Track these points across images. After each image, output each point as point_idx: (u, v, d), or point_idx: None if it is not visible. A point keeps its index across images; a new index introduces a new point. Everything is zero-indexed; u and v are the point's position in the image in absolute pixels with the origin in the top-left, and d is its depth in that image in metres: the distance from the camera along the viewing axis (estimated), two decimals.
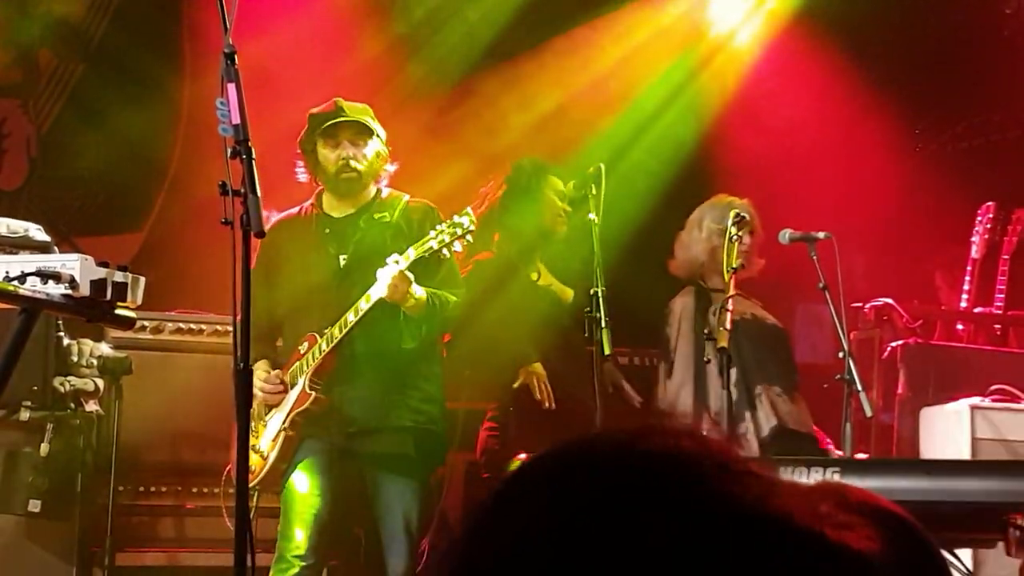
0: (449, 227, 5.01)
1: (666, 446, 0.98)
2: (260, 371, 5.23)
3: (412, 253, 5.03)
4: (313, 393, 5.17)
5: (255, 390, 5.24)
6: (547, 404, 5.80)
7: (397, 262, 5.02)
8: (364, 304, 5.09)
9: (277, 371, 5.26)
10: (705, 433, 1.00)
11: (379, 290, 5.05)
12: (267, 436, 5.28)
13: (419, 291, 5.11)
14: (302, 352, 5.25)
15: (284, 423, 5.22)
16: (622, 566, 0.91)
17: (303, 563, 5.08)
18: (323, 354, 5.17)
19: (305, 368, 5.20)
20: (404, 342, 5.23)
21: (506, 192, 6.11)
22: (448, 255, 5.19)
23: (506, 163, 6.36)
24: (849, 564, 0.93)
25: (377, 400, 5.22)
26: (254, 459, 5.31)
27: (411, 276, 5.05)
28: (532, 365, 5.88)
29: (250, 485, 5.29)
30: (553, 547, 0.93)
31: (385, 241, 5.27)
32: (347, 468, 5.26)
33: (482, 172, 6.59)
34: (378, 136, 5.36)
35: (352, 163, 5.29)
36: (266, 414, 5.29)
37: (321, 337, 5.19)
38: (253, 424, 5.31)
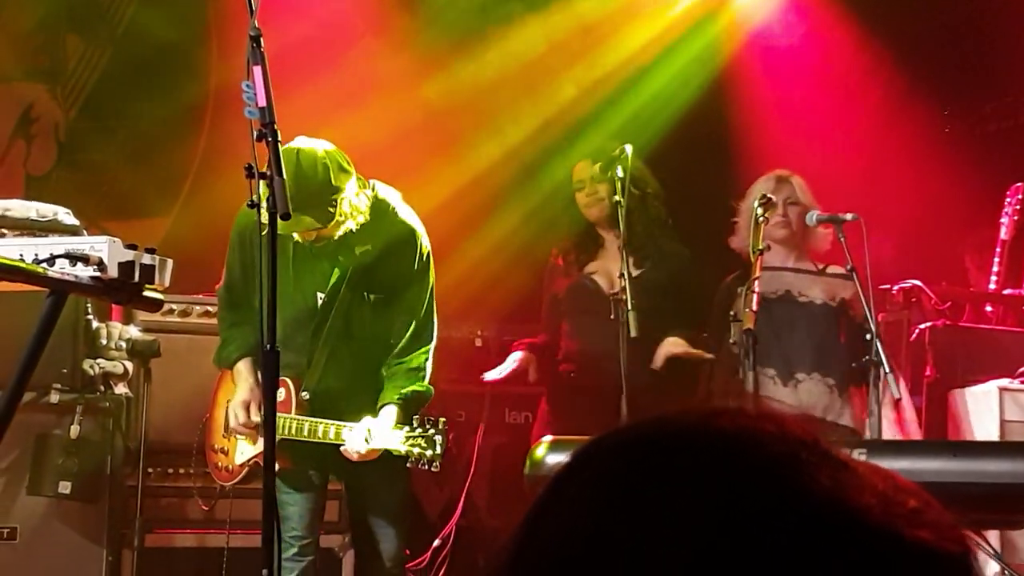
0: (422, 449, 4.85)
1: (740, 428, 0.95)
2: (243, 381, 5.16)
3: (381, 442, 4.91)
4: (278, 464, 5.08)
5: (232, 410, 5.21)
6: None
7: (369, 431, 4.91)
8: (306, 431, 5.02)
9: (257, 420, 5.11)
10: (792, 415, 0.97)
11: (349, 449, 4.96)
12: (235, 457, 5.28)
13: (391, 446, 4.95)
14: (277, 401, 5.11)
15: (249, 460, 5.22)
16: (683, 550, 0.89)
17: (300, 543, 5.11)
18: (291, 436, 5.03)
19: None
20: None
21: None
22: (424, 283, 5.18)
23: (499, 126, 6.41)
24: (923, 565, 0.90)
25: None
26: (221, 462, 5.33)
27: (379, 446, 4.91)
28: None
29: (227, 485, 5.36)
30: (618, 525, 0.92)
31: (364, 284, 5.13)
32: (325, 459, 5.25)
33: (476, 132, 6.57)
34: (337, 199, 4.92)
35: (323, 235, 5.02)
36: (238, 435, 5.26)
37: (295, 401, 5.07)
38: (226, 437, 5.31)
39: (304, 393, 5.11)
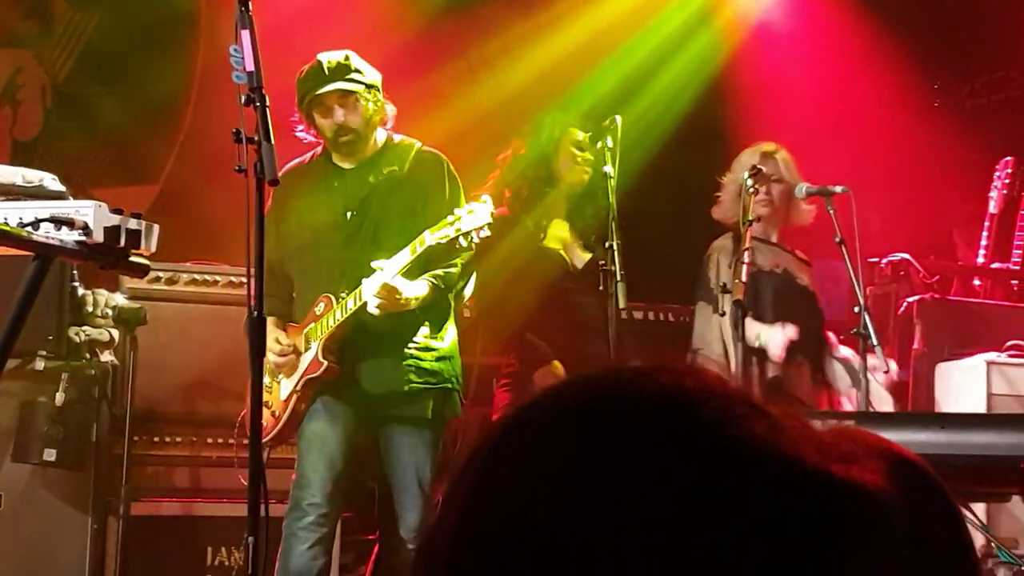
0: (468, 215, 4.89)
1: (668, 386, 0.96)
2: (270, 330, 5.13)
3: (406, 254, 4.96)
4: (325, 362, 5.14)
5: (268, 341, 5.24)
6: None
7: (382, 268, 4.97)
8: (351, 304, 5.06)
9: (288, 342, 5.20)
10: (711, 372, 0.98)
11: (367, 298, 5.01)
12: (280, 395, 5.27)
13: (415, 292, 5.03)
14: (318, 314, 5.19)
15: (296, 386, 5.20)
16: (618, 510, 0.90)
17: (318, 512, 5.08)
18: (337, 324, 5.12)
19: (319, 334, 5.16)
20: (427, 334, 5.20)
21: (528, 147, 6.04)
22: (455, 193, 5.20)
23: (505, 112, 6.27)
24: (856, 503, 0.92)
25: (391, 367, 5.16)
26: (266, 416, 5.31)
27: (399, 285, 4.97)
28: (554, 367, 5.80)
29: (263, 441, 5.33)
30: (552, 490, 0.92)
31: (393, 197, 5.24)
32: (361, 421, 5.25)
33: (481, 112, 6.48)
34: (368, 85, 5.23)
35: (348, 125, 5.21)
36: (279, 373, 5.27)
37: (337, 303, 5.14)
38: (267, 380, 5.31)
39: (344, 292, 5.14)
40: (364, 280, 5.02)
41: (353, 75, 5.20)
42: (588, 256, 5.85)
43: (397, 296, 4.97)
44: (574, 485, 0.92)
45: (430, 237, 4.92)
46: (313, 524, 5.07)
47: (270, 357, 5.16)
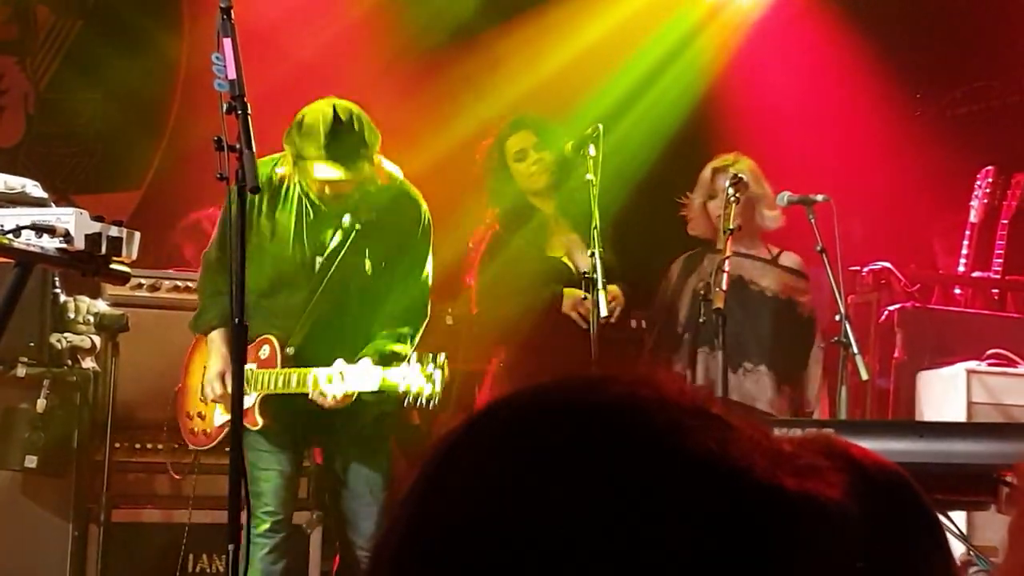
0: (424, 380, 4.79)
1: (620, 395, 0.96)
2: (216, 351, 5.10)
3: (372, 376, 4.86)
4: (261, 421, 5.05)
5: (207, 382, 5.16)
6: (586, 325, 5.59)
7: (342, 374, 4.88)
8: (294, 382, 4.98)
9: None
10: (666, 381, 0.98)
11: (321, 386, 4.92)
12: (213, 421, 5.25)
13: (366, 387, 4.92)
14: (262, 358, 5.08)
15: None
16: (567, 522, 0.90)
17: (272, 518, 5.08)
18: (276, 390, 5.03)
19: (258, 388, 5.05)
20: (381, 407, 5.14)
21: (483, 161, 6.06)
22: (424, 250, 5.18)
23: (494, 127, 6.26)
24: (808, 518, 0.91)
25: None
26: (198, 428, 5.31)
27: (352, 390, 4.88)
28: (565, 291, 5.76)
29: (205, 448, 5.34)
30: (504, 502, 0.92)
31: (365, 247, 5.13)
32: (302, 428, 5.23)
33: (473, 134, 6.49)
34: (369, 155, 4.98)
35: (341, 190, 5.03)
36: (218, 404, 5.20)
37: (280, 360, 5.04)
38: (203, 400, 5.28)
39: (289, 348, 5.08)
40: (316, 371, 4.93)
41: (357, 149, 4.93)
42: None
43: (350, 397, 4.92)
44: (526, 495, 0.92)
45: (353, 384, 4.85)
46: (269, 531, 5.07)
47: (215, 389, 5.11)
